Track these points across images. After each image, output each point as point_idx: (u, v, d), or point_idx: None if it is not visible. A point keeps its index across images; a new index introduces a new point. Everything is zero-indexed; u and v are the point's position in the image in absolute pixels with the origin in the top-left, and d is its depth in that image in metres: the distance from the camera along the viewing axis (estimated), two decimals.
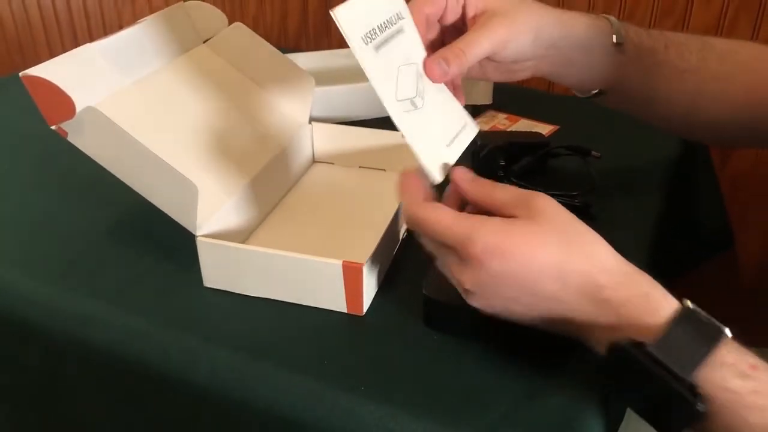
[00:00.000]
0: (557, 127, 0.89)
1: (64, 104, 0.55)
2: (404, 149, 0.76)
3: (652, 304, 0.42)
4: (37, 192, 0.74)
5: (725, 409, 0.40)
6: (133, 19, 0.67)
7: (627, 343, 0.41)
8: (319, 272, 0.54)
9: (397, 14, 0.51)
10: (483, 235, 0.43)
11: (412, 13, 0.53)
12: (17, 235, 0.67)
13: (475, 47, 0.52)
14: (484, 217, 0.44)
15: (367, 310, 0.56)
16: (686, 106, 0.63)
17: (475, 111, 0.92)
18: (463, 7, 0.55)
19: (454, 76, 0.53)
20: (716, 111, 0.62)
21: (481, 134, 0.77)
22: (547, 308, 0.44)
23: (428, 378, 0.49)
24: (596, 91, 0.63)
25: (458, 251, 0.44)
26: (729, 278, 1.08)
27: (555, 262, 0.43)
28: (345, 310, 0.56)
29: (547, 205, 0.44)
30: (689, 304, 0.43)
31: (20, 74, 0.55)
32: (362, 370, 0.50)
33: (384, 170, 0.77)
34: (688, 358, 0.40)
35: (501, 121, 0.91)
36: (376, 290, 0.57)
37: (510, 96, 0.98)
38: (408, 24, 0.52)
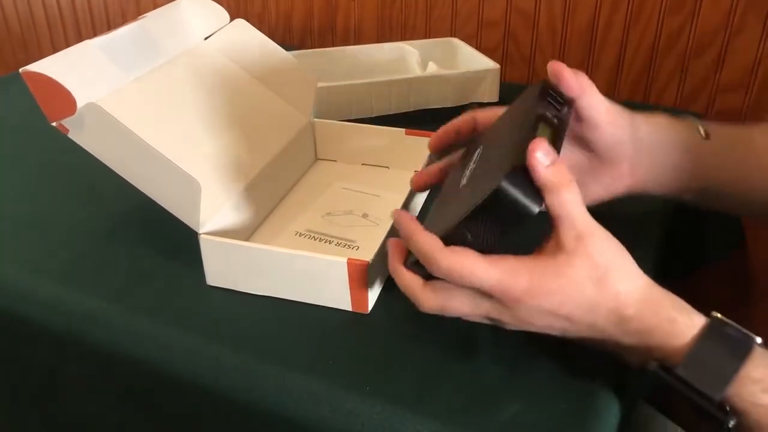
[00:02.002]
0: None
1: (64, 101, 0.55)
2: (407, 146, 0.76)
3: (678, 327, 0.44)
4: (39, 190, 0.74)
5: (758, 423, 0.41)
6: (137, 15, 0.66)
7: (655, 366, 0.44)
8: (323, 270, 0.53)
9: None
10: (520, 279, 0.43)
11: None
12: (19, 233, 0.66)
13: (589, 89, 0.52)
14: (518, 258, 0.44)
15: (372, 308, 0.55)
16: None
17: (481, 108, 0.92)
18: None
19: (582, 88, 0.52)
20: None
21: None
22: (581, 334, 0.46)
23: (435, 378, 0.49)
24: (697, 191, 0.60)
25: (495, 295, 0.44)
26: (737, 278, 1.07)
27: (586, 303, 0.44)
28: (350, 309, 0.55)
29: (592, 242, 0.44)
30: (718, 317, 0.44)
31: (20, 70, 0.54)
32: (368, 369, 0.50)
33: (387, 168, 0.76)
34: (716, 377, 0.42)
35: None
36: (381, 288, 0.57)
37: (517, 93, 0.97)
38: None
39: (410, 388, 0.48)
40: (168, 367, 0.52)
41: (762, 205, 0.61)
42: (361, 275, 0.53)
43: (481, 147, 0.53)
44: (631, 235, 0.63)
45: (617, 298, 0.44)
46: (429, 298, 0.46)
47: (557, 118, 0.48)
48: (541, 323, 0.45)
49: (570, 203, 0.44)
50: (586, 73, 1.05)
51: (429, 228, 0.47)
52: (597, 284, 0.44)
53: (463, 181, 0.50)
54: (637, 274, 0.45)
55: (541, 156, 0.43)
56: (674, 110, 0.98)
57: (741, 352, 0.42)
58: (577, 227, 0.44)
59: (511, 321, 0.45)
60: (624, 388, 0.48)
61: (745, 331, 0.43)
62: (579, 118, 0.53)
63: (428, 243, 0.45)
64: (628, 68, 1.00)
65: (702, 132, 0.58)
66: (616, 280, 0.44)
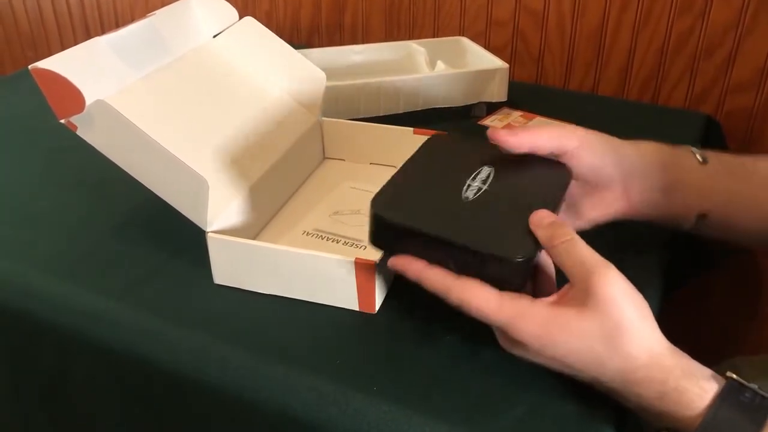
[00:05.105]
0: (573, 125, 0.88)
1: (73, 98, 0.55)
2: (415, 146, 0.75)
3: (688, 396, 0.43)
4: (47, 187, 0.74)
5: None
6: (146, 13, 0.66)
7: None
8: (331, 269, 0.53)
9: None
10: (527, 325, 0.44)
11: None
12: (27, 230, 0.66)
13: (542, 130, 0.53)
14: (529, 303, 0.45)
15: (379, 308, 0.55)
16: None
17: (489, 108, 0.91)
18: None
19: (518, 144, 0.53)
20: None
21: None
22: (587, 382, 0.46)
23: (442, 379, 0.48)
24: (695, 218, 0.59)
25: (503, 333, 0.46)
26: (745, 279, 1.06)
27: (593, 361, 0.44)
28: (357, 308, 0.55)
29: (607, 296, 0.44)
30: (733, 378, 0.43)
31: (30, 67, 0.54)
32: (375, 370, 0.49)
33: (395, 167, 0.75)
34: None
35: (516, 119, 0.90)
36: (388, 288, 0.57)
37: (525, 93, 0.97)
38: None
39: (417, 389, 0.48)
40: (174, 365, 0.52)
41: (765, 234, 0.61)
42: (369, 275, 0.52)
43: (493, 171, 0.53)
44: (640, 238, 0.63)
45: (626, 360, 0.43)
46: (453, 295, 0.47)
47: None
48: (546, 365, 0.46)
49: (572, 254, 0.45)
50: (595, 74, 1.05)
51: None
52: (607, 341, 0.43)
53: (468, 194, 0.51)
54: (652, 335, 0.44)
55: (539, 218, 0.47)
56: (684, 111, 0.97)
57: (757, 419, 0.41)
58: (585, 274, 0.44)
59: (517, 353, 0.46)
60: None
61: (762, 393, 0.42)
62: (553, 152, 0.54)
63: (440, 277, 0.47)
64: (637, 68, 1.00)
65: (699, 157, 0.58)
66: (628, 341, 0.43)
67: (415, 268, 0.48)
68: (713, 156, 0.59)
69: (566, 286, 0.46)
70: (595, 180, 0.56)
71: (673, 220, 0.60)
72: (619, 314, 0.43)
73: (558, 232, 0.47)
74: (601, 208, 0.58)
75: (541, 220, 0.48)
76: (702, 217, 0.59)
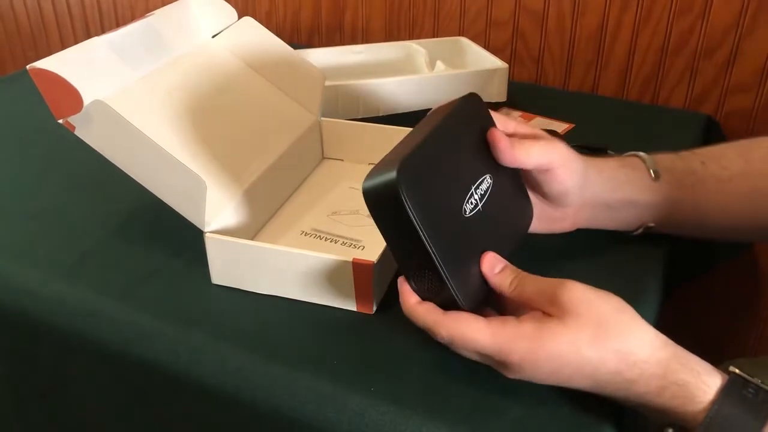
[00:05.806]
0: (572, 125, 0.88)
1: (71, 98, 0.55)
2: None
3: (690, 390, 0.43)
4: (46, 187, 0.74)
5: None
6: (146, 13, 0.66)
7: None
8: (328, 270, 0.53)
9: None
10: (518, 348, 0.44)
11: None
12: (25, 230, 0.66)
13: (535, 147, 0.53)
14: (517, 325, 0.45)
15: (377, 309, 0.55)
16: (746, 210, 0.60)
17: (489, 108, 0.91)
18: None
19: (514, 160, 0.52)
20: None
21: None
22: (587, 390, 0.45)
23: (439, 380, 0.48)
24: (641, 230, 0.61)
25: (496, 359, 0.45)
26: (745, 279, 1.06)
27: (586, 366, 0.44)
28: (355, 309, 0.55)
29: (574, 299, 0.44)
30: (736, 373, 0.43)
31: (27, 67, 0.54)
32: (372, 370, 0.49)
33: None
34: None
35: (515, 119, 0.90)
36: (386, 289, 0.57)
37: (525, 94, 0.97)
38: None
39: (415, 390, 0.48)
40: (172, 365, 0.52)
41: (723, 230, 0.62)
42: (367, 275, 0.52)
43: (491, 187, 0.52)
44: (639, 239, 0.62)
45: (617, 358, 0.43)
46: (443, 330, 0.47)
47: None
48: (544, 382, 0.45)
49: (527, 289, 0.47)
50: (595, 74, 1.05)
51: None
52: (593, 343, 0.43)
53: (466, 207, 0.50)
54: (639, 328, 0.44)
55: (490, 265, 0.49)
56: (684, 111, 0.97)
57: (761, 414, 0.41)
58: (548, 297, 0.45)
59: (515, 377, 0.46)
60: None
61: (766, 387, 0.42)
62: (540, 167, 0.54)
63: (429, 315, 0.47)
64: (637, 69, 1.00)
65: (651, 173, 0.59)
66: (613, 338, 0.43)
67: (408, 301, 0.48)
68: (665, 167, 0.59)
69: (534, 313, 0.46)
70: (557, 200, 0.56)
71: (616, 229, 0.61)
72: (597, 314, 0.44)
73: (508, 278, 0.48)
74: (545, 223, 0.58)
75: (491, 269, 0.49)
76: (647, 228, 0.61)
